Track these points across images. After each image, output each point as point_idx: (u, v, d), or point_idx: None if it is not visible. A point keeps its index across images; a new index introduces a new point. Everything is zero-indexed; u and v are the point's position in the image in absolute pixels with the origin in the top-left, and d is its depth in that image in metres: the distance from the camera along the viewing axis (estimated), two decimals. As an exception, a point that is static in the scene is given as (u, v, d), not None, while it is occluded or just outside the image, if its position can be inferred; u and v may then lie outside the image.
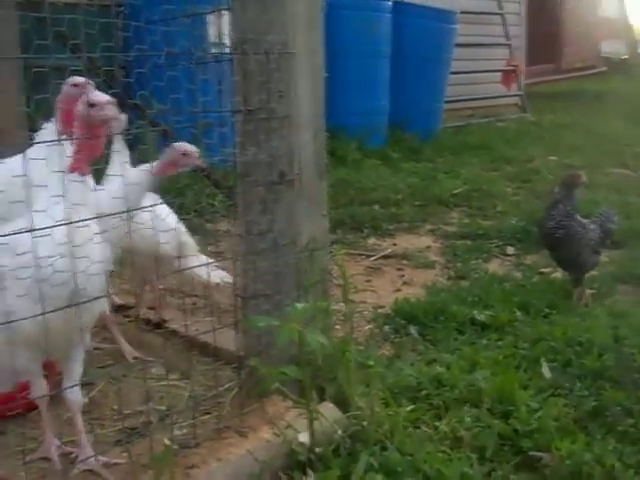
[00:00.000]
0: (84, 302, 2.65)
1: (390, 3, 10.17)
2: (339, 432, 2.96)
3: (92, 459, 2.89)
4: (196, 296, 4.31)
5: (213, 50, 7.65)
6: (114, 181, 3.62)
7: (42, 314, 2.52)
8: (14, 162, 3.62)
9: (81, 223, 2.63)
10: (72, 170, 2.72)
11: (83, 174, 2.75)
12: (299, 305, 2.77)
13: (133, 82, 5.85)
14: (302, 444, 2.88)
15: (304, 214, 3.17)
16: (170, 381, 3.54)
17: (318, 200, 3.27)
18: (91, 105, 2.72)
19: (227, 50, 7.73)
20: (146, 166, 3.53)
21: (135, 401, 3.34)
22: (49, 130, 3.85)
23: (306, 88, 3.16)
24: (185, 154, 3.53)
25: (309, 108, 3.17)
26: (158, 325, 4.10)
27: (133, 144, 4.90)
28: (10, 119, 4.98)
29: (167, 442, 2.52)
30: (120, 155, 3.91)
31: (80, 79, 3.75)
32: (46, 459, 2.94)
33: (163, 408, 3.30)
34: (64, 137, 3.66)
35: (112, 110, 2.73)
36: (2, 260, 2.65)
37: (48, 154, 3.44)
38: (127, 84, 6.03)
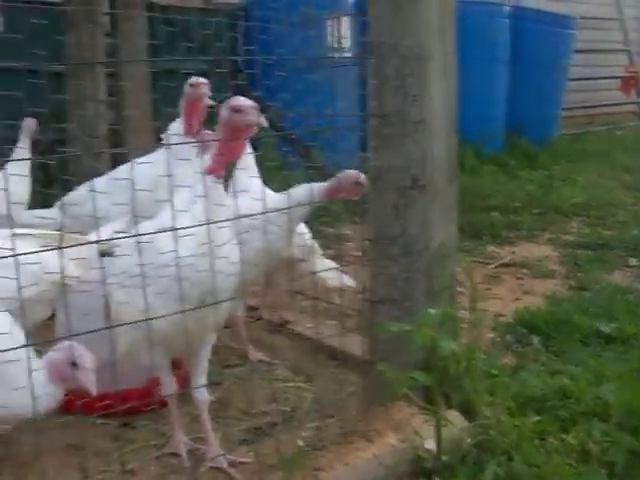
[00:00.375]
0: (220, 302, 2.69)
1: (508, 8, 10.06)
2: (466, 440, 2.93)
3: (220, 457, 2.92)
4: (317, 299, 4.31)
5: (332, 55, 7.70)
6: (253, 184, 3.65)
7: (181, 312, 2.56)
8: (144, 163, 3.69)
9: (219, 224, 2.66)
10: (209, 172, 2.76)
11: (219, 177, 2.78)
12: (432, 311, 2.75)
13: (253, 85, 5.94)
14: (429, 451, 2.86)
15: (435, 219, 3.14)
16: (294, 383, 3.55)
17: (448, 205, 3.23)
18: (236, 110, 2.74)
19: (346, 55, 7.82)
20: (312, 186, 3.54)
21: (260, 401, 3.37)
22: (174, 131, 3.94)
23: (439, 92, 3.13)
24: (358, 183, 3.49)
25: (442, 113, 3.14)
26: (281, 327, 4.13)
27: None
28: (142, 121, 5.09)
29: (300, 443, 2.53)
30: (248, 158, 3.94)
31: (198, 79, 3.84)
32: (174, 455, 2.99)
33: (288, 409, 3.32)
34: (190, 137, 3.76)
35: (256, 115, 2.75)
36: (144, 258, 2.70)
37: (175, 155, 3.53)
38: (247, 87, 6.10)
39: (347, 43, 7.95)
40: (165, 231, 2.58)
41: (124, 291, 2.76)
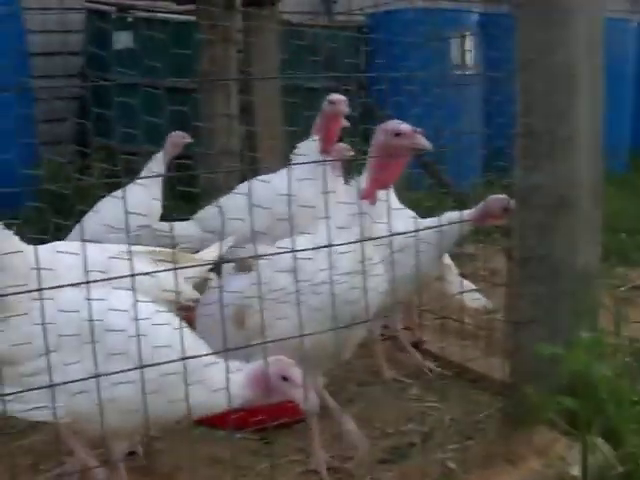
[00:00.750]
0: (368, 321, 2.67)
1: (635, 24, 9.85)
2: (614, 469, 2.83)
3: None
4: (450, 318, 4.24)
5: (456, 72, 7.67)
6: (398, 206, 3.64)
7: (333, 329, 2.55)
8: (277, 179, 3.70)
9: (372, 247, 2.65)
10: (364, 197, 2.74)
11: (373, 203, 2.76)
12: (584, 334, 2.68)
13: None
14: (574, 477, 2.78)
15: (581, 240, 3.06)
16: (429, 403, 3.51)
17: (594, 226, 3.15)
18: (396, 134, 2.72)
19: (470, 72, 7.76)
20: (462, 213, 3.53)
21: (397, 421, 3.33)
22: (305, 149, 3.93)
23: (586, 110, 3.04)
24: (506, 208, 3.43)
25: (589, 130, 3.06)
26: (415, 346, 4.08)
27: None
28: (272, 136, 5.12)
29: (451, 465, 2.49)
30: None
31: (337, 96, 3.82)
32: (315, 472, 2.99)
33: (425, 429, 3.27)
34: (325, 155, 3.75)
35: (420, 140, 2.72)
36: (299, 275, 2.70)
37: (310, 173, 3.52)
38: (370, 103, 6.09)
39: (471, 60, 7.89)
40: (321, 248, 2.58)
41: (280, 307, 2.76)
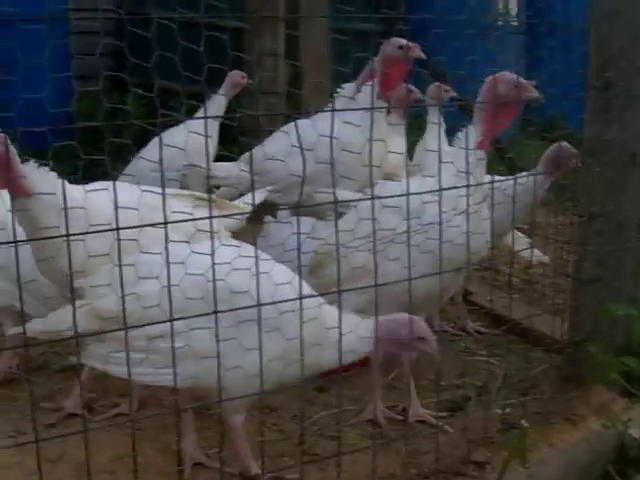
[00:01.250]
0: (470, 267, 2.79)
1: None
2: (676, 432, 2.80)
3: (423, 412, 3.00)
4: (496, 270, 4.15)
5: (500, 21, 7.52)
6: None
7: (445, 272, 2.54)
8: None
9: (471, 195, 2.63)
10: (480, 147, 2.76)
11: (487, 151, 2.80)
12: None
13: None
14: (634, 439, 2.76)
15: (649, 198, 3.00)
16: (481, 357, 3.46)
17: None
18: (515, 86, 2.73)
19: (513, 21, 7.58)
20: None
21: (450, 373, 3.29)
22: (347, 92, 3.80)
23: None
24: (574, 157, 3.40)
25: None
26: (463, 296, 4.02)
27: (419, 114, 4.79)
28: (319, 78, 5.02)
29: (525, 424, 2.45)
30: (435, 127, 3.78)
31: (404, 41, 3.60)
32: (371, 422, 2.98)
33: (479, 384, 3.24)
34: (382, 100, 3.63)
35: (535, 92, 2.74)
36: (392, 221, 2.71)
37: (360, 118, 3.38)
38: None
39: (514, 9, 7.73)
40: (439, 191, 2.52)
41: (391, 247, 2.73)
